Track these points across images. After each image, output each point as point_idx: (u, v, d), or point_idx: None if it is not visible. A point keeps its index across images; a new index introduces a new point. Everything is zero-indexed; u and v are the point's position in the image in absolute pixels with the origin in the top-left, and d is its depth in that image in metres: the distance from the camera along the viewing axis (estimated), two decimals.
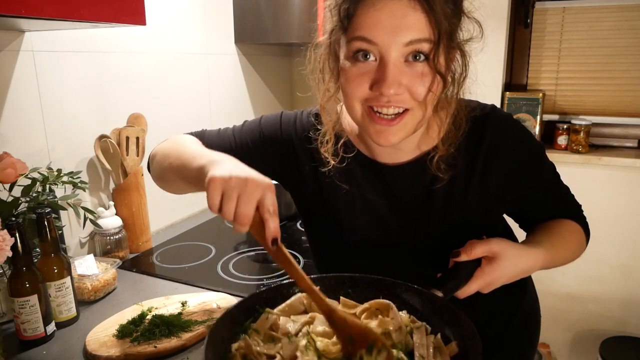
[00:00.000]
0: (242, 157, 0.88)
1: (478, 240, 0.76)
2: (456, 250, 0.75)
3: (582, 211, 0.96)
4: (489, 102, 0.86)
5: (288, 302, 0.73)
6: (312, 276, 0.72)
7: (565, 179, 0.93)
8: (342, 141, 0.86)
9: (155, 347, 0.91)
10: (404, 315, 0.70)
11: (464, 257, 0.74)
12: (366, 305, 0.73)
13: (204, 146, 0.87)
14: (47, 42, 1.21)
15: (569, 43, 2.10)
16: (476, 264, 0.75)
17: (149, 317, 1.01)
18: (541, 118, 2.07)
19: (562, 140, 2.08)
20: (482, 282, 0.74)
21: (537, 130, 2.07)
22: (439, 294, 0.70)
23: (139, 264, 1.36)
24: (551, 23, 2.11)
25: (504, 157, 0.83)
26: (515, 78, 2.22)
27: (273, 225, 0.61)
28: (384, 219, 0.88)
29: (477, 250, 0.74)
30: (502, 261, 0.74)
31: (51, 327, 0.97)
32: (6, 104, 1.14)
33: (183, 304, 1.07)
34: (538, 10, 2.12)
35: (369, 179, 0.87)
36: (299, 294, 0.74)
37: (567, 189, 0.95)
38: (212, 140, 0.94)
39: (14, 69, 1.15)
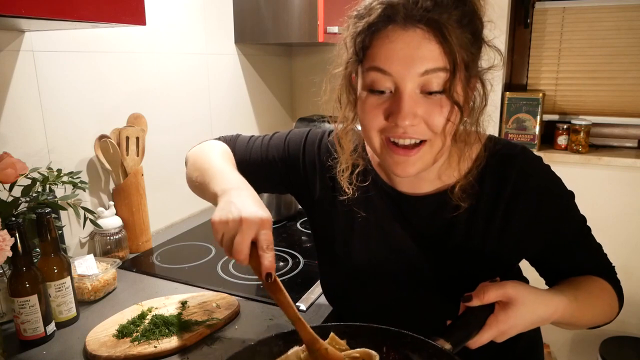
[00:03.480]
0: (266, 171, 0.94)
1: (491, 282, 0.69)
2: (467, 294, 0.68)
3: (615, 273, 0.88)
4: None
5: (285, 356, 0.70)
6: (312, 325, 0.69)
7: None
8: (357, 170, 0.86)
9: (155, 347, 0.91)
10: None
11: (476, 302, 0.67)
12: (355, 353, 0.68)
13: (233, 156, 0.95)
14: (47, 42, 1.21)
15: (569, 43, 2.10)
16: (489, 309, 0.68)
17: (149, 317, 1.01)
18: (541, 118, 2.07)
19: (562, 140, 2.08)
20: (495, 331, 0.67)
21: (537, 130, 2.06)
22: (447, 346, 0.63)
23: (139, 264, 1.36)
24: (551, 23, 2.11)
25: (529, 200, 0.79)
26: (515, 78, 2.22)
27: (267, 262, 0.64)
28: (399, 248, 0.86)
29: (490, 294, 0.67)
30: (518, 307, 0.67)
31: (51, 327, 0.97)
32: (6, 104, 1.14)
33: (183, 304, 1.07)
34: (538, 10, 2.12)
35: (388, 207, 0.86)
36: (296, 348, 0.71)
37: (599, 246, 0.88)
38: (241, 151, 0.99)
39: (14, 69, 1.15)
